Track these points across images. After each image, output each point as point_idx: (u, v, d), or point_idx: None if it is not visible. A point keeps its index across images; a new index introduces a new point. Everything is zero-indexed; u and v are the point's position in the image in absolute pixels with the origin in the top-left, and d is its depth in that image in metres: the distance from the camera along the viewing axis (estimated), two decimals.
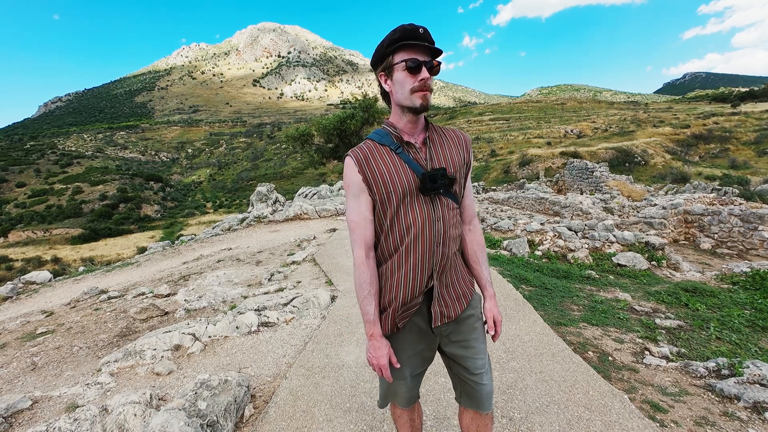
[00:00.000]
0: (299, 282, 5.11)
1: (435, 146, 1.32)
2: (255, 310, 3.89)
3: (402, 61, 1.19)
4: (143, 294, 5.40)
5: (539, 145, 46.72)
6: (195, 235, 14.91)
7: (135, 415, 2.15)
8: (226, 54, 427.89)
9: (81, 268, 11.31)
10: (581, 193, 17.02)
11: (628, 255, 5.73)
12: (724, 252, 8.35)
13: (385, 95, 1.32)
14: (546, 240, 6.67)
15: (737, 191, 15.04)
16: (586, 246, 6.33)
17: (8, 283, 7.87)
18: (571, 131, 54.14)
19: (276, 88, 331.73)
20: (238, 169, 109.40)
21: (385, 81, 1.27)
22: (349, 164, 1.30)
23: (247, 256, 7.31)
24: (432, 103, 1.34)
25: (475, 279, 1.46)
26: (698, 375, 2.61)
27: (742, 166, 30.96)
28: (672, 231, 9.40)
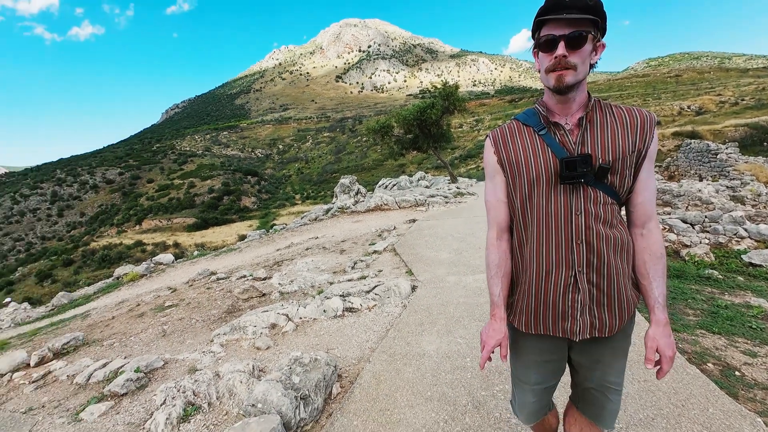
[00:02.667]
0: (380, 271, 5.26)
1: (593, 128, 1.14)
2: (340, 295, 4.12)
3: (537, 39, 1.11)
4: (245, 276, 6.06)
5: None
6: (286, 224, 16.26)
7: (241, 382, 2.44)
8: (311, 53, 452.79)
9: (195, 253, 13.12)
10: (700, 180, 14.60)
11: (764, 253, 4.77)
12: None
13: None
14: None
15: None
16: (707, 241, 5.43)
17: (143, 263, 9.55)
18: (688, 107, 46.51)
19: (357, 83, 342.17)
20: (322, 163, 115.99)
21: (537, 60, 1.17)
22: (487, 145, 1.29)
23: (332, 244, 7.74)
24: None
25: (642, 296, 1.21)
26: None
27: None
28: None
